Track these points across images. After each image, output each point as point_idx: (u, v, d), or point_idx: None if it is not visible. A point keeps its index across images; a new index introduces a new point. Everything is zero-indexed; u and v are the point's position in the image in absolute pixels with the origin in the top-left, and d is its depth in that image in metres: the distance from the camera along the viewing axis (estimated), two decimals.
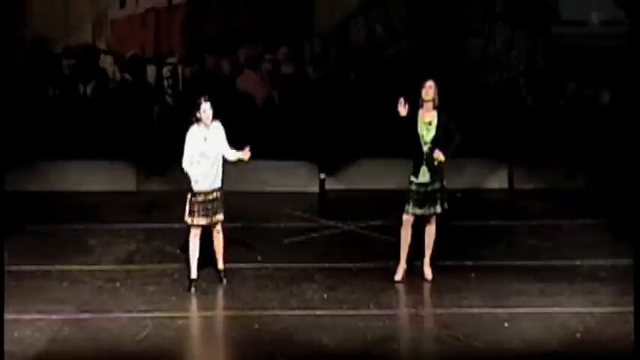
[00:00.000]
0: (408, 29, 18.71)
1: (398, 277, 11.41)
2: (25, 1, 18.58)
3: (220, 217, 11.27)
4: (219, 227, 11.34)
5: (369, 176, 16.53)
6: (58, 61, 18.18)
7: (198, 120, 11.11)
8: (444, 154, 11.04)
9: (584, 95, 17.98)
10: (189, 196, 11.19)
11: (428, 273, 11.46)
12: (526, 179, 16.71)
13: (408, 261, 11.45)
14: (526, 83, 18.49)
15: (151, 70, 18.48)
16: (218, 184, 11.22)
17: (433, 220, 11.35)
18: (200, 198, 11.15)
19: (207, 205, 11.18)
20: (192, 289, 11.21)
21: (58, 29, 18.62)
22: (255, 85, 18.03)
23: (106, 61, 18.65)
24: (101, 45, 19.06)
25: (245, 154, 11.18)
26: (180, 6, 19.11)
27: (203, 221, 11.20)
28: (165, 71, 18.46)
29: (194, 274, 11.28)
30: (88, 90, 17.88)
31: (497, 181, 16.76)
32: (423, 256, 11.49)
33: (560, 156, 16.64)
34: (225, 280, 11.41)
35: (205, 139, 11.10)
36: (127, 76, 18.21)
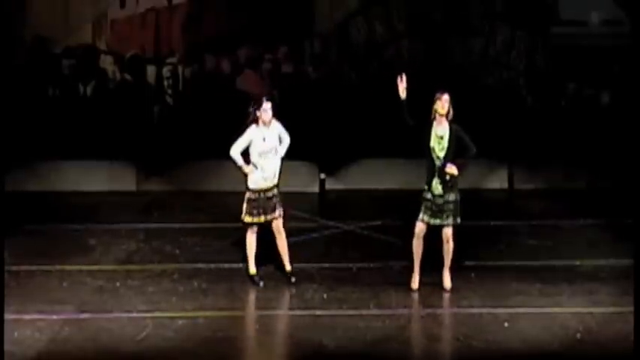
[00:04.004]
0: (408, 29, 18.71)
1: (415, 285, 11.26)
2: (25, 1, 18.59)
3: (277, 214, 11.32)
4: (280, 226, 11.38)
5: (369, 176, 16.53)
6: (58, 61, 18.17)
7: (256, 120, 11.20)
8: (457, 167, 10.94)
9: (584, 95, 17.98)
10: (247, 194, 11.28)
11: (447, 282, 11.27)
12: (526, 179, 16.70)
13: (421, 267, 11.33)
14: (526, 83, 18.49)
15: (151, 70, 18.47)
16: (276, 180, 11.33)
17: (450, 235, 11.12)
18: (257, 196, 11.25)
19: (265, 204, 11.27)
20: (261, 283, 11.36)
21: (58, 29, 18.63)
22: (255, 84, 18.02)
23: (106, 61, 18.65)
24: (101, 45, 19.06)
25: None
26: (180, 6, 19.11)
27: (260, 219, 11.29)
28: (165, 71, 18.46)
29: (253, 270, 11.42)
30: (88, 90, 17.87)
31: (498, 181, 16.76)
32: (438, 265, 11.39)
33: (560, 156, 16.63)
34: (293, 279, 11.43)
35: (264, 139, 11.22)
36: (127, 76, 18.20)
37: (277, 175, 11.36)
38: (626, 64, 17.36)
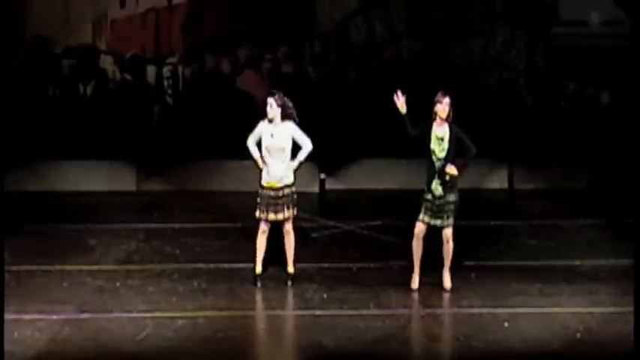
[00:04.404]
0: (408, 29, 18.72)
1: (415, 285, 11.26)
2: (25, 1, 18.59)
3: (287, 214, 11.26)
4: (288, 227, 11.35)
5: (369, 176, 16.53)
6: (58, 61, 18.16)
7: (267, 116, 11.17)
8: (457, 168, 10.97)
9: (584, 95, 17.98)
10: (258, 190, 11.27)
11: (447, 282, 11.27)
12: (526, 179, 16.70)
13: (421, 267, 11.32)
14: (526, 83, 18.49)
15: (150, 70, 18.47)
16: (287, 181, 11.25)
17: (450, 235, 11.13)
18: (267, 193, 11.21)
19: (275, 201, 11.21)
20: (258, 284, 11.31)
21: (58, 29, 18.63)
22: (255, 85, 18.02)
23: (106, 61, 18.65)
24: (101, 45, 19.06)
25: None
26: (180, 6, 19.11)
27: (269, 217, 11.24)
28: (166, 71, 18.45)
29: (259, 269, 11.36)
30: (88, 90, 17.87)
31: (498, 181, 16.76)
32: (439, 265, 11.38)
33: (560, 156, 16.64)
34: (289, 282, 11.40)
35: (272, 135, 11.16)
36: (127, 76, 18.20)
37: (286, 178, 11.22)
38: (626, 64, 17.36)
